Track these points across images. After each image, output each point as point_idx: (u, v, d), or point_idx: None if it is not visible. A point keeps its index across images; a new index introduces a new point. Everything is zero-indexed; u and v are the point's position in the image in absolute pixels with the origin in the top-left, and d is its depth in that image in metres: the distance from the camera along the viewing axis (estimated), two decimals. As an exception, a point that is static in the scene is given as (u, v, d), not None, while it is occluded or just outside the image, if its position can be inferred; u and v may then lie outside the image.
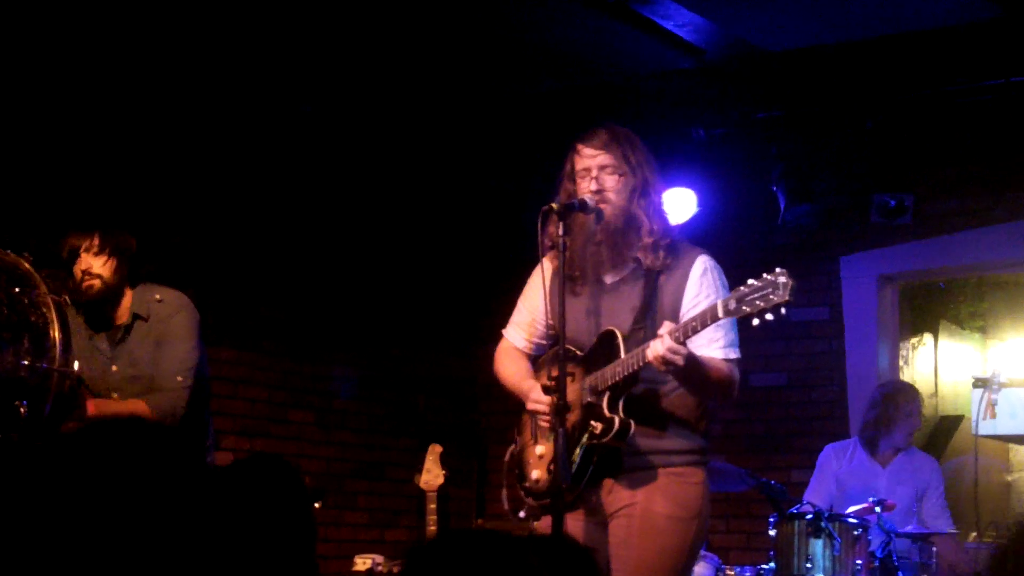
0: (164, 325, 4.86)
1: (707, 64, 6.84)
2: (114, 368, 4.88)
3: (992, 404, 3.50)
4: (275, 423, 7.27)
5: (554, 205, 4.18)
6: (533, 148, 6.65)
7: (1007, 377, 3.54)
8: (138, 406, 4.76)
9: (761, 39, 6.61)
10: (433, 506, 5.79)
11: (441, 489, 5.87)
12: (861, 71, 6.83)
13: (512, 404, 4.47)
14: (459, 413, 8.00)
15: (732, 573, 6.13)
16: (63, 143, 6.20)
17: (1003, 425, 3.52)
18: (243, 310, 7.10)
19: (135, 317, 4.89)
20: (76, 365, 4.72)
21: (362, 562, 6.76)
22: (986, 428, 3.59)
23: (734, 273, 4.05)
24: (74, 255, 4.84)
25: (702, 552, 6.03)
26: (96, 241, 4.84)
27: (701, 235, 5.80)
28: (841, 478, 6.65)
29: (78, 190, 6.10)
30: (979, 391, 3.59)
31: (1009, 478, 9.53)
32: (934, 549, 6.03)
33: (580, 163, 4.30)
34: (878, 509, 5.97)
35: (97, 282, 4.83)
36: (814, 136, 7.41)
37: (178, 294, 4.97)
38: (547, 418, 4.12)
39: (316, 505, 3.24)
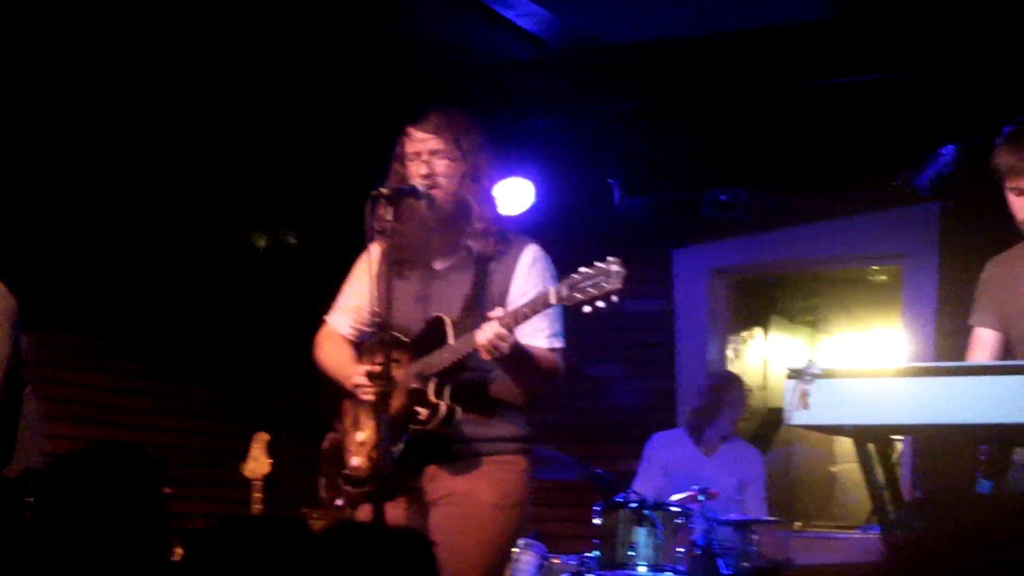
0: None
1: (548, 55, 6.86)
2: None
3: (805, 395, 3.55)
4: (111, 409, 7.13)
5: (383, 190, 4.15)
6: (370, 134, 6.59)
7: (821, 368, 3.59)
8: None
9: (602, 31, 6.65)
10: (259, 495, 5.73)
11: (268, 477, 5.81)
12: (700, 66, 6.91)
13: (342, 391, 4.42)
14: (300, 400, 7.92)
15: (557, 561, 6.16)
16: None
17: (816, 415, 3.57)
18: (79, 294, 6.95)
19: None
20: None
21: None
22: (799, 418, 3.64)
23: (569, 264, 4.06)
24: None
25: (528, 541, 6.06)
26: None
27: (538, 225, 5.82)
28: (667, 467, 6.75)
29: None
30: (793, 382, 3.64)
31: (834, 469, 9.76)
32: (755, 537, 6.15)
33: (411, 147, 4.27)
34: (701, 498, 6.07)
35: None
36: (652, 129, 7.48)
37: None
38: (370, 393, 4.07)
39: (167, 491, 3.19)
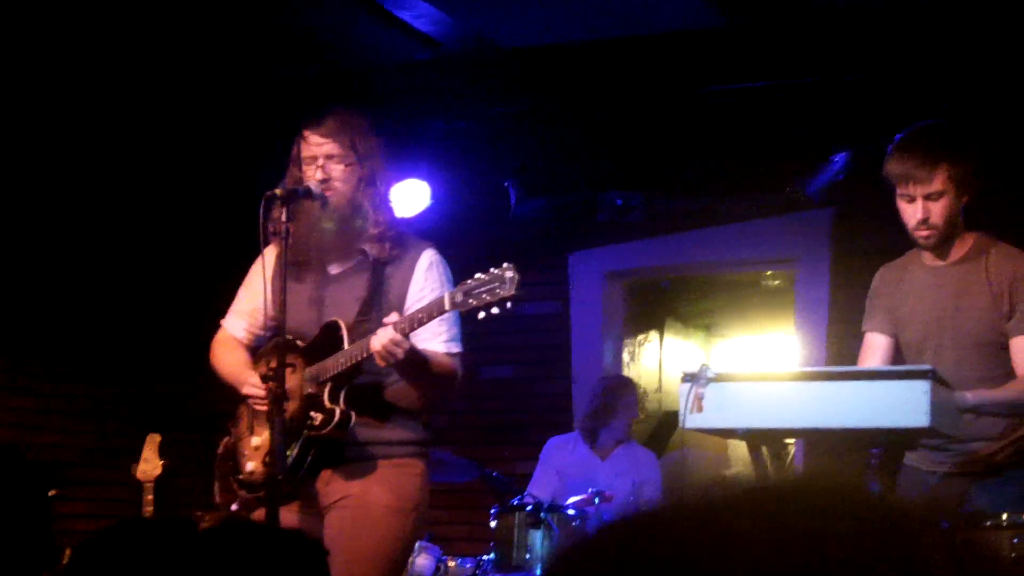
0: None
1: (443, 57, 6.84)
2: None
3: (700, 398, 3.58)
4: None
5: (278, 191, 4.12)
6: (265, 135, 6.53)
7: (715, 372, 3.62)
8: None
9: (498, 34, 6.65)
10: (150, 496, 5.64)
11: (160, 479, 5.72)
12: (595, 70, 6.93)
13: (234, 394, 4.38)
14: (193, 402, 7.82)
15: (453, 564, 6.15)
16: None
17: (710, 419, 3.60)
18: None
19: None
20: None
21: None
22: (693, 422, 3.67)
23: (465, 267, 4.06)
24: None
25: (424, 544, 6.04)
26: None
27: (434, 228, 5.80)
28: (563, 470, 6.76)
29: None
30: (687, 385, 3.67)
31: (729, 472, 9.85)
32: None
33: (307, 150, 4.24)
34: (597, 500, 6.09)
35: None
36: (548, 132, 7.50)
37: None
38: (262, 403, 4.04)
39: (51, 492, 3.11)
